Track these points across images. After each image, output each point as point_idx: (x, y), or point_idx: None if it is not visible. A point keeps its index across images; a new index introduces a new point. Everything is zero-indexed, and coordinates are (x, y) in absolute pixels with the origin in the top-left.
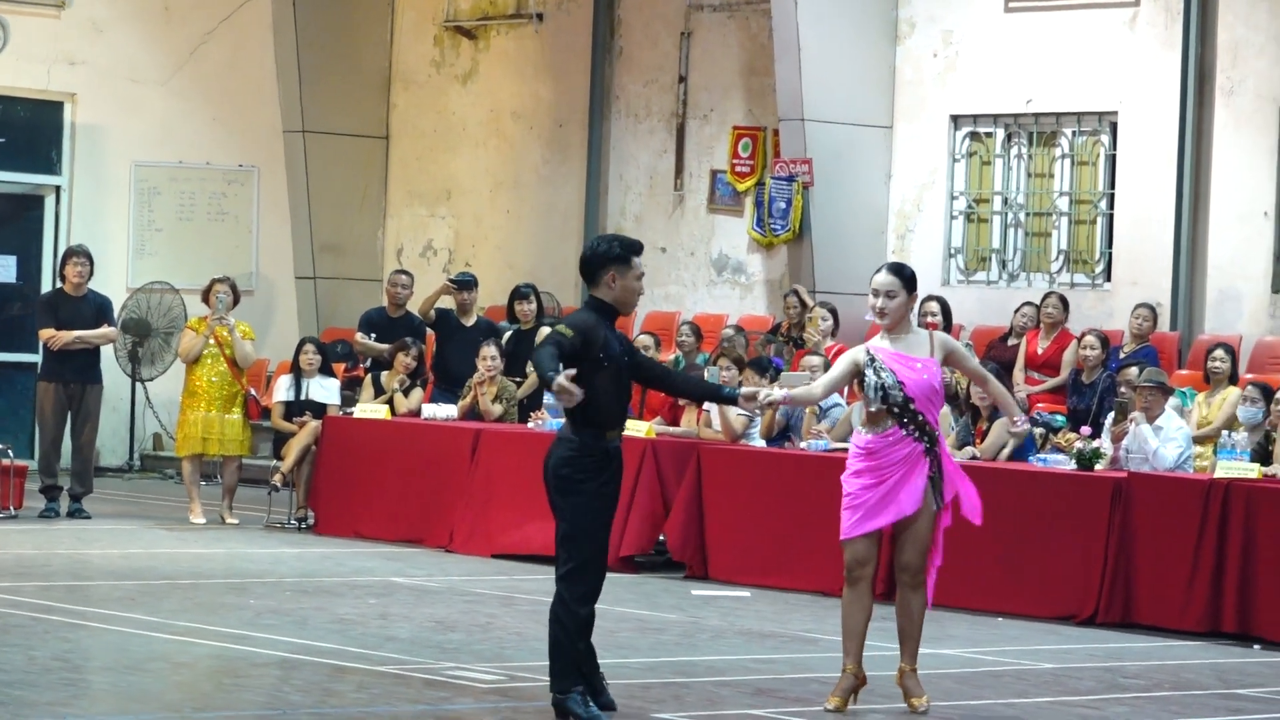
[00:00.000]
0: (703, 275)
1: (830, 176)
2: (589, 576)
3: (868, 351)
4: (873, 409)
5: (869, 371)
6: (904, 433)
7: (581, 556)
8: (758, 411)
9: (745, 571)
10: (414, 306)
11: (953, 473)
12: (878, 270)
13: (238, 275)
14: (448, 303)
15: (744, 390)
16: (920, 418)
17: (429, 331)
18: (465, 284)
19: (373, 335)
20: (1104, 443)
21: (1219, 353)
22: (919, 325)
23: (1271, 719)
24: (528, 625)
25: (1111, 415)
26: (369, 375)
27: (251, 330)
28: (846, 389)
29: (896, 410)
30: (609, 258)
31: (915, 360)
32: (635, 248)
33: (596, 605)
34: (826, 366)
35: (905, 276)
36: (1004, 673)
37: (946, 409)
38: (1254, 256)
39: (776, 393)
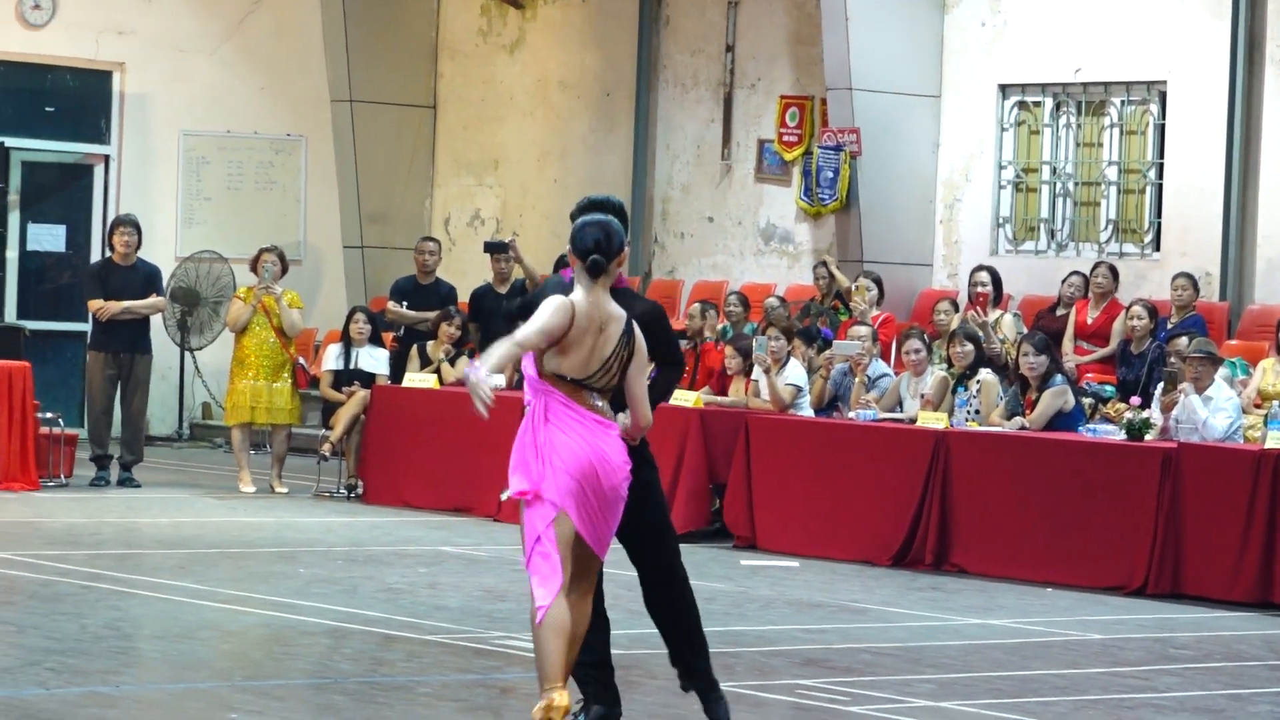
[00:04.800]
0: (750, 245)
1: (878, 146)
2: None
3: None
4: None
5: None
6: None
7: None
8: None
9: (793, 541)
10: (443, 273)
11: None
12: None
13: (286, 244)
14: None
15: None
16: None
17: (459, 299)
18: (499, 247)
19: (404, 304)
20: (1153, 413)
21: None
22: (972, 297)
23: None
24: None
25: (1161, 385)
26: (415, 346)
27: (299, 299)
28: (894, 358)
29: None
30: None
31: None
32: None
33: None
34: (874, 337)
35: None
36: (1053, 644)
37: (994, 379)
38: None
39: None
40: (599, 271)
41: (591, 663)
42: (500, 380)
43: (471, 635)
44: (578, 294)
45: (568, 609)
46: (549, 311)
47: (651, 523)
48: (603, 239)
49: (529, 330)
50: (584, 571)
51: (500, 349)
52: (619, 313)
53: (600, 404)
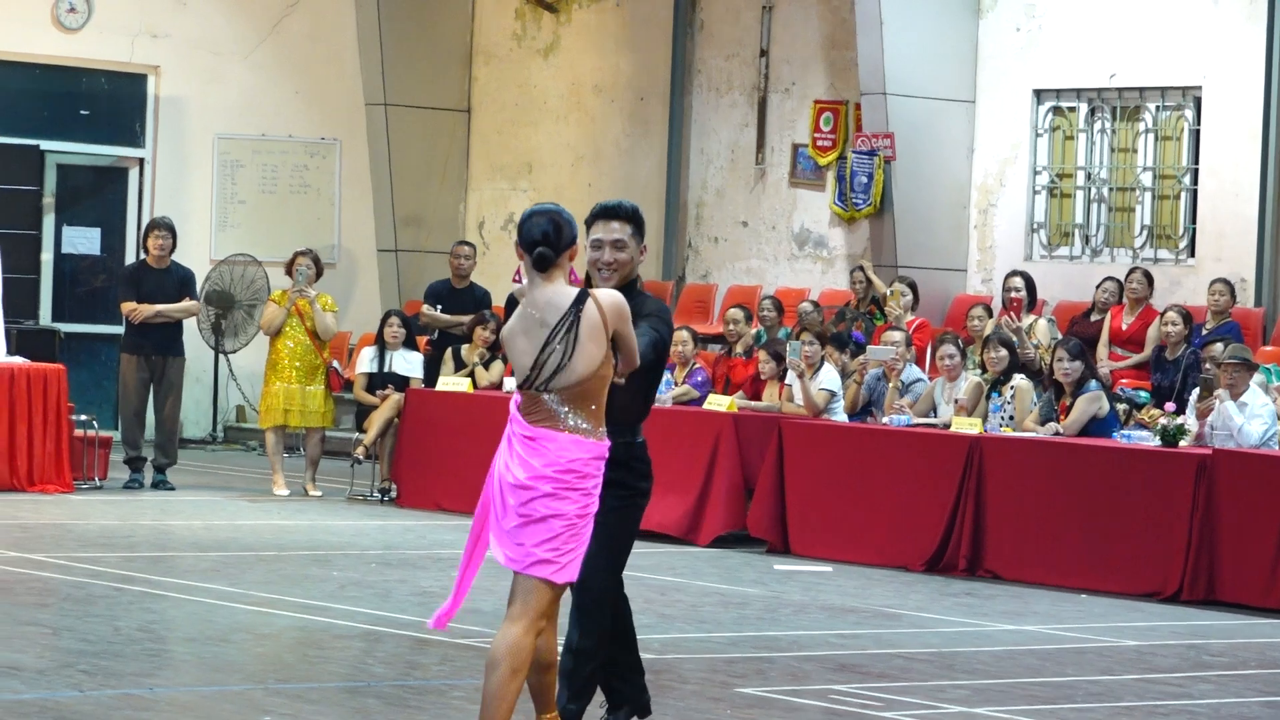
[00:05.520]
0: (784, 249)
1: (912, 151)
2: None
3: None
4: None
5: None
6: None
7: None
8: None
9: (826, 546)
10: (478, 277)
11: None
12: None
13: (320, 248)
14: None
15: None
16: None
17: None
18: None
19: (438, 307)
20: (1188, 419)
21: None
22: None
23: None
24: None
25: (1196, 391)
26: (449, 350)
27: (334, 302)
28: (928, 363)
29: None
30: None
31: None
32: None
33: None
34: (908, 342)
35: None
36: (1087, 650)
37: (1028, 384)
38: None
39: None
40: (545, 265)
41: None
42: None
43: None
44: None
45: (503, 639)
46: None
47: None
48: (551, 230)
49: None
50: (522, 594)
51: None
52: (564, 299)
53: (558, 408)
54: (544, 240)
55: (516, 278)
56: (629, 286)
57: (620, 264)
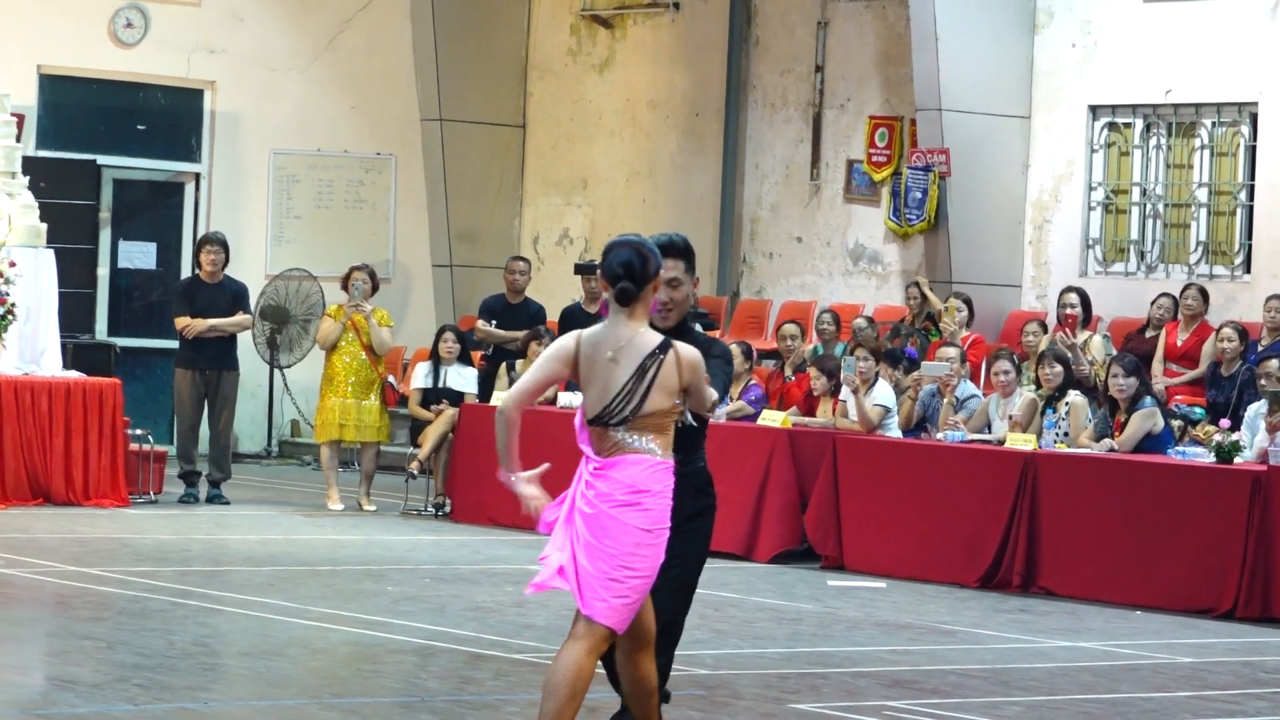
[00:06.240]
0: (839, 265)
1: (967, 167)
2: None
3: None
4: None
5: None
6: None
7: None
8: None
9: (881, 562)
10: (532, 292)
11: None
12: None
13: (375, 263)
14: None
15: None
16: None
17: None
18: (589, 269)
19: (493, 322)
20: (1243, 435)
21: None
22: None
23: None
24: None
25: (1265, 406)
26: (504, 365)
27: (389, 317)
28: (982, 379)
29: None
30: None
31: None
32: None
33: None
34: (963, 358)
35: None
36: (1142, 666)
37: (1083, 400)
38: None
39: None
40: (628, 299)
41: None
42: (533, 490)
43: None
44: (598, 325)
45: (564, 661)
46: (536, 364)
47: (669, 577)
48: (635, 262)
49: (511, 393)
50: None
51: (500, 436)
52: (645, 344)
53: (625, 436)
54: (627, 273)
55: (603, 309)
56: (681, 325)
57: (676, 302)
